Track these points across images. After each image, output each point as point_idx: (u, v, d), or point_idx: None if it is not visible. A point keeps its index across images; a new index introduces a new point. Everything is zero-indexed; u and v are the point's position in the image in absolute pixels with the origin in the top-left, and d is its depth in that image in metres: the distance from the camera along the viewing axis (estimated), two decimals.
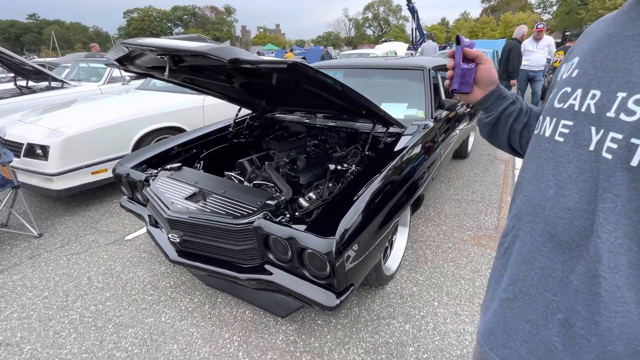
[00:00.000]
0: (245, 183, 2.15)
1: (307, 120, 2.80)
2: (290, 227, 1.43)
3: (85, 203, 3.33)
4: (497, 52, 8.76)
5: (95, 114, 3.34)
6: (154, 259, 2.43)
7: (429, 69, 2.84)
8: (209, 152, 2.65)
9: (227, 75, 2.00)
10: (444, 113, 2.81)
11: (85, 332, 1.80)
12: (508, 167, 4.19)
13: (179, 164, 2.11)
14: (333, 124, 2.62)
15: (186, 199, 1.77)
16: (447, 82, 0.79)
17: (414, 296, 2.02)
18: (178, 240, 1.67)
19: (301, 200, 2.05)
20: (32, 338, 1.77)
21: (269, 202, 1.63)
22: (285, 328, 1.82)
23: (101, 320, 1.88)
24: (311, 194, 2.12)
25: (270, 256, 1.55)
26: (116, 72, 5.89)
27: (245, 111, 2.94)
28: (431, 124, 2.50)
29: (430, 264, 2.32)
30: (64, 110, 3.52)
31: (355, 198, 1.54)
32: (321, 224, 1.42)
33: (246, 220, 1.53)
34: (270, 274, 1.56)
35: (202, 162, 2.58)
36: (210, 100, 4.10)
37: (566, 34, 10.38)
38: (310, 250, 1.35)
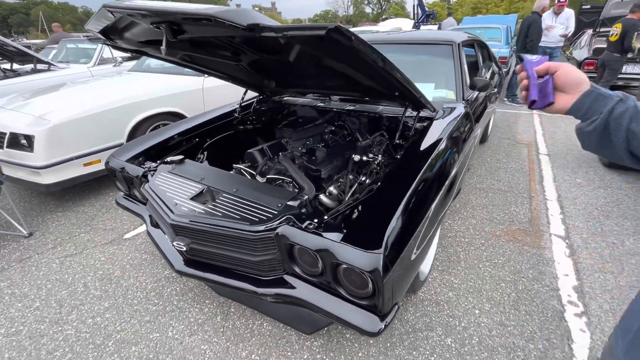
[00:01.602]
0: (258, 177, 1.88)
1: (322, 104, 2.50)
2: (322, 236, 1.18)
3: (79, 197, 3.07)
4: (509, 27, 8.29)
5: (86, 99, 3.02)
6: (156, 261, 2.20)
7: (459, 44, 2.52)
8: (213, 141, 2.36)
9: (235, 51, 1.69)
10: (476, 94, 2.51)
11: (82, 352, 1.58)
12: (532, 151, 3.92)
13: (181, 157, 1.84)
14: (351, 107, 2.33)
15: (192, 199, 1.50)
16: (522, 94, 0.71)
17: (450, 303, 1.80)
18: (184, 249, 1.42)
19: (322, 198, 1.79)
20: (22, 359, 1.55)
21: (291, 203, 1.37)
22: (310, 344, 1.60)
23: (100, 336, 1.66)
24: (332, 189, 1.86)
25: (296, 269, 1.31)
26: (107, 53, 5.49)
27: (250, 93, 2.63)
28: (464, 107, 2.21)
29: (464, 264, 2.09)
30: (50, 95, 3.20)
31: (396, 198, 1.28)
32: (361, 232, 1.17)
33: (266, 227, 1.28)
34: (295, 288, 1.32)
35: (205, 152, 2.30)
36: (210, 82, 3.76)
37: (583, 7, 9.84)
38: (348, 266, 1.10)
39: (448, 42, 2.53)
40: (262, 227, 1.28)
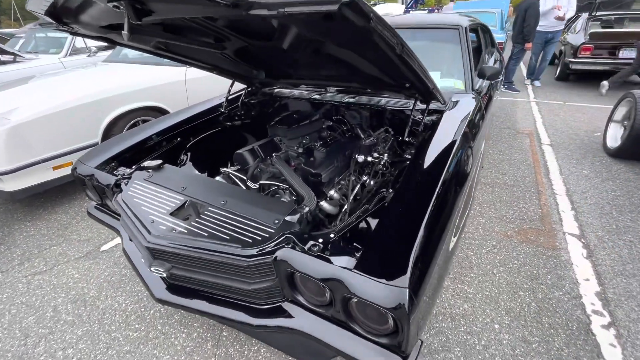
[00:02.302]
0: (249, 183, 1.65)
1: (317, 96, 2.26)
2: (330, 261, 0.98)
3: (50, 204, 2.79)
4: (503, 12, 8.09)
5: (53, 94, 2.71)
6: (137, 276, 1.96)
7: (466, 28, 2.30)
8: (197, 140, 2.11)
9: (218, 37, 1.44)
10: (485, 83, 2.31)
11: None
12: (533, 142, 3.78)
13: (160, 161, 1.59)
14: (351, 99, 2.10)
15: (172, 214, 1.28)
16: None
17: (467, 317, 1.63)
18: (164, 275, 1.20)
19: (323, 204, 1.58)
20: None
21: (289, 218, 1.16)
22: None
23: None
24: (332, 192, 1.65)
25: (299, 298, 1.11)
26: (80, 42, 5.08)
27: (238, 85, 2.37)
28: (474, 99, 2.01)
29: (477, 270, 1.92)
30: (13, 90, 2.87)
31: (417, 211, 1.08)
32: (378, 257, 0.97)
33: (261, 251, 1.06)
34: (298, 319, 1.12)
35: (189, 153, 2.05)
36: (194, 73, 3.47)
37: None
38: (365, 301, 0.90)
39: (454, 25, 2.31)
40: (256, 251, 1.06)
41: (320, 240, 1.07)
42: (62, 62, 4.62)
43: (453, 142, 1.48)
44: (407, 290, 0.85)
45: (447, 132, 1.58)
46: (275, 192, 1.59)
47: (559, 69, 6.84)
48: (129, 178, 1.56)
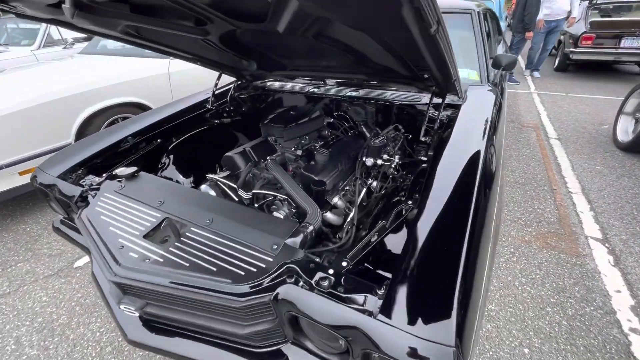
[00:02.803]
0: (240, 192, 1.42)
1: (315, 89, 2.02)
2: (346, 301, 0.76)
3: (19, 213, 2.51)
4: (500, 0, 7.87)
5: (19, 90, 2.42)
6: None
7: (478, 12, 2.08)
8: (180, 141, 1.86)
9: (199, 19, 1.19)
10: (498, 74, 2.10)
11: None
12: (540, 136, 3.60)
13: (134, 168, 1.35)
14: (353, 93, 1.87)
15: (146, 237, 1.04)
16: None
17: (492, 339, 1.44)
18: (137, 314, 0.98)
19: (327, 215, 1.36)
20: None
21: (291, 241, 0.94)
22: None
23: None
24: (336, 199, 1.43)
25: (307, 344, 0.89)
26: (55, 33, 4.72)
27: (226, 79, 2.12)
28: (492, 91, 1.80)
29: (497, 283, 1.73)
30: None
31: (452, 235, 0.87)
32: (410, 296, 0.75)
33: (257, 287, 0.84)
34: None
35: (171, 156, 1.81)
36: (179, 65, 3.18)
37: None
38: None
39: (466, 10, 2.08)
40: (250, 287, 0.84)
41: (331, 271, 0.85)
42: (34, 54, 4.27)
43: (478, 142, 1.27)
44: (454, 350, 0.64)
45: (468, 130, 1.37)
46: (271, 203, 1.36)
47: (557, 60, 6.68)
48: (98, 189, 1.32)
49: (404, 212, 1.10)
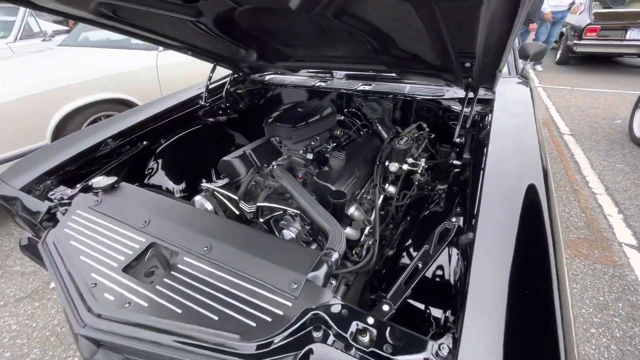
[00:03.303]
0: (242, 205, 1.20)
1: (321, 83, 1.80)
2: None
3: None
4: None
5: None
6: None
7: None
8: (170, 143, 1.63)
9: None
10: (528, 65, 1.90)
11: None
12: (552, 132, 3.43)
13: (113, 178, 1.12)
14: (367, 87, 1.65)
15: (126, 269, 0.82)
16: None
17: None
18: None
19: (347, 231, 1.16)
20: None
21: (313, 276, 0.73)
22: None
23: None
24: (353, 210, 1.23)
25: None
26: (34, 25, 4.39)
27: (221, 72, 1.88)
28: (524, 84, 1.61)
29: None
30: None
31: (533, 261, 0.67)
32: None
33: (274, 345, 0.63)
34: None
35: (159, 160, 1.58)
36: (168, 57, 2.92)
37: None
38: None
39: None
40: (263, 346, 0.63)
41: (371, 320, 0.64)
42: (10, 47, 3.95)
43: (532, 144, 1.07)
44: None
45: (513, 129, 1.17)
46: (279, 218, 1.14)
47: (559, 52, 6.53)
48: (69, 204, 1.08)
49: (449, 231, 0.89)
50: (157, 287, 0.77)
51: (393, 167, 1.23)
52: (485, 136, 1.18)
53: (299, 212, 1.07)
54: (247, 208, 1.18)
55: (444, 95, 1.50)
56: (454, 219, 0.93)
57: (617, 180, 2.50)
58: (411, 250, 1.03)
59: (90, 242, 0.92)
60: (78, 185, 1.20)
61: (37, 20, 4.31)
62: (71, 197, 1.12)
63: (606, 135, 3.29)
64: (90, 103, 2.45)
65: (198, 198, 1.23)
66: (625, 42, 5.27)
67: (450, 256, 0.89)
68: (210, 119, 1.83)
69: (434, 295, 0.82)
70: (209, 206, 1.22)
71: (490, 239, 0.74)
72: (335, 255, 0.81)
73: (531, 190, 0.87)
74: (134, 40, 2.97)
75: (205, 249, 0.83)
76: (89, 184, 1.16)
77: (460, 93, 1.51)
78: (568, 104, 4.25)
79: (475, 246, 0.73)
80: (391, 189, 1.38)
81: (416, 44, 1.04)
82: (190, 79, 2.29)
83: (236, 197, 1.20)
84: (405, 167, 1.24)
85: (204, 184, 1.26)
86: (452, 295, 0.78)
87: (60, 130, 2.30)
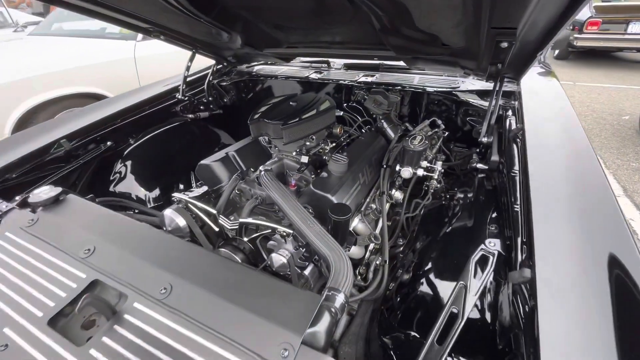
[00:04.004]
0: (221, 220, 0.97)
1: (316, 75, 1.58)
2: None
3: None
4: None
5: None
6: None
7: None
8: (141, 143, 1.40)
9: None
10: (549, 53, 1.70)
11: None
12: None
13: (57, 190, 0.88)
14: (369, 78, 1.44)
15: (53, 322, 0.60)
16: None
17: None
18: None
19: (351, 250, 0.94)
20: None
21: (311, 334, 0.51)
22: None
23: None
24: (357, 222, 1.01)
25: None
26: (7, 15, 4.07)
27: (203, 61, 1.65)
28: (546, 72, 1.41)
29: None
30: None
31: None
32: None
33: None
34: None
35: (128, 163, 1.34)
36: (148, 48, 2.66)
37: None
38: None
39: None
40: None
41: None
42: None
43: (583, 145, 0.87)
44: None
45: (552, 126, 0.96)
46: (268, 237, 0.92)
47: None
48: None
49: (486, 259, 0.68)
50: (92, 351, 0.54)
51: (406, 172, 1.02)
52: (516, 134, 0.97)
53: (291, 231, 0.85)
54: (228, 224, 0.96)
55: (459, 87, 1.30)
56: (490, 242, 0.72)
57: (634, 181, 2.33)
58: (431, 276, 0.82)
59: (13, 279, 0.69)
60: (18, 197, 0.96)
61: (7, 10, 3.99)
62: (4, 214, 0.88)
63: (615, 132, 3.13)
64: (58, 97, 2.18)
65: (168, 211, 1.00)
66: (627, 36, 5.14)
67: (488, 291, 0.69)
68: (190, 115, 1.60)
69: (474, 351, 0.61)
70: (181, 221, 0.99)
71: (564, 278, 0.53)
72: (340, 299, 0.59)
73: (602, 203, 0.67)
74: (110, 29, 2.72)
75: (164, 291, 0.60)
76: (30, 195, 0.93)
77: (477, 84, 1.31)
78: (572, 100, 4.06)
79: (540, 288, 0.52)
80: (398, 194, 1.17)
81: (438, 19, 0.82)
82: (174, 73, 2.04)
83: (214, 211, 0.97)
84: (420, 172, 1.02)
85: (176, 194, 1.03)
86: (502, 352, 0.58)
87: (22, 128, 2.04)
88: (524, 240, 0.64)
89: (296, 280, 0.87)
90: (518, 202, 0.76)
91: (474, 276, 0.67)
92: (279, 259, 0.85)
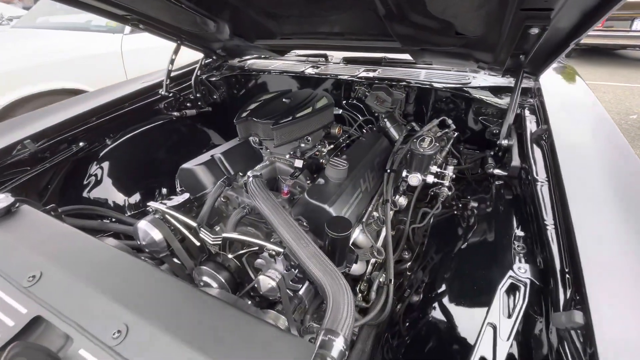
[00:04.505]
0: (203, 234, 0.84)
1: (313, 70, 1.45)
2: None
3: None
4: None
5: None
6: None
7: None
8: (119, 144, 1.26)
9: None
10: None
11: None
12: None
13: (9, 201, 0.75)
14: (371, 73, 1.31)
15: None
16: None
17: None
18: None
19: (353, 267, 0.82)
20: None
21: None
22: None
23: None
24: (358, 233, 0.89)
25: None
26: None
27: (189, 55, 1.52)
28: (564, 67, 1.29)
29: None
30: None
31: None
32: None
33: None
34: None
35: (104, 166, 1.21)
36: (137, 42, 2.52)
37: None
38: None
39: None
40: None
41: None
42: None
43: (618, 146, 0.75)
44: None
45: (583, 127, 0.85)
46: (255, 254, 0.80)
47: None
48: None
49: (516, 288, 0.56)
50: None
51: (414, 179, 0.90)
52: (540, 136, 0.85)
53: (282, 250, 0.72)
54: (210, 238, 0.83)
55: (470, 82, 1.17)
56: (520, 268, 0.60)
57: None
58: (445, 300, 0.70)
59: None
60: None
61: None
62: None
63: (624, 132, 3.00)
64: (37, 94, 2.04)
65: (142, 223, 0.87)
66: (631, 33, 5.02)
67: (517, 331, 0.57)
68: (175, 113, 1.46)
69: None
70: (156, 235, 0.86)
71: (630, 326, 0.41)
72: (339, 345, 0.47)
73: None
74: (96, 22, 2.57)
75: (117, 335, 0.48)
76: None
77: (490, 80, 1.18)
78: None
79: (600, 339, 0.40)
80: (402, 200, 1.05)
81: (455, 1, 0.70)
82: (160, 65, 1.90)
83: (195, 224, 0.85)
84: (430, 178, 0.90)
85: (152, 203, 0.90)
86: None
87: None
88: (566, 268, 0.52)
89: (287, 305, 0.75)
90: (549, 216, 0.64)
91: (503, 312, 0.55)
92: (267, 282, 0.72)
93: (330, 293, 0.57)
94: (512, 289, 0.57)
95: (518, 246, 0.67)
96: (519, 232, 0.71)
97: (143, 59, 2.59)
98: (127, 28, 2.47)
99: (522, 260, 0.62)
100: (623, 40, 5.16)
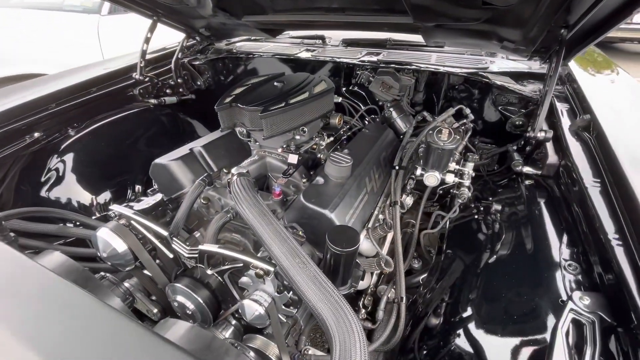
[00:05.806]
0: (175, 244, 0.69)
1: (308, 53, 1.29)
2: None
3: None
4: None
5: None
6: None
7: None
8: (85, 134, 1.09)
9: None
10: None
11: None
12: None
13: None
14: (374, 57, 1.16)
15: None
16: None
17: None
18: None
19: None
20: None
21: None
22: None
23: None
24: (362, 238, 0.75)
25: None
26: None
27: (170, 35, 1.34)
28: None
29: None
30: None
31: None
32: None
33: None
34: None
35: (66, 159, 1.04)
36: (116, 24, 2.30)
37: None
38: None
39: None
40: None
41: None
42: None
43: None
44: None
45: (634, 115, 0.71)
46: (240, 272, 0.65)
47: None
48: None
49: (581, 329, 0.43)
50: None
51: (432, 178, 0.75)
52: (582, 128, 0.72)
53: (272, 268, 0.58)
54: (185, 250, 0.68)
55: (488, 67, 1.03)
56: (582, 298, 0.46)
57: None
58: (472, 327, 0.57)
59: None
60: None
61: None
62: None
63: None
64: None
65: (103, 232, 0.72)
66: (632, 26, 4.94)
67: None
68: (153, 100, 1.29)
69: None
70: (119, 245, 0.71)
71: None
72: None
73: None
74: (70, 1, 2.35)
75: None
76: None
77: (510, 65, 1.04)
78: None
79: None
80: (408, 200, 0.92)
81: None
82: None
83: (167, 234, 0.69)
84: (450, 177, 0.76)
85: (115, 207, 0.74)
86: None
87: None
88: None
89: (279, 333, 0.61)
90: (611, 227, 0.51)
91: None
92: (253, 308, 0.58)
93: (336, 333, 0.43)
94: (575, 328, 0.43)
95: (569, 265, 0.54)
96: (566, 247, 0.57)
97: (123, 42, 2.38)
98: (105, 8, 2.25)
99: (581, 285, 0.49)
100: (622, 33, 5.07)
